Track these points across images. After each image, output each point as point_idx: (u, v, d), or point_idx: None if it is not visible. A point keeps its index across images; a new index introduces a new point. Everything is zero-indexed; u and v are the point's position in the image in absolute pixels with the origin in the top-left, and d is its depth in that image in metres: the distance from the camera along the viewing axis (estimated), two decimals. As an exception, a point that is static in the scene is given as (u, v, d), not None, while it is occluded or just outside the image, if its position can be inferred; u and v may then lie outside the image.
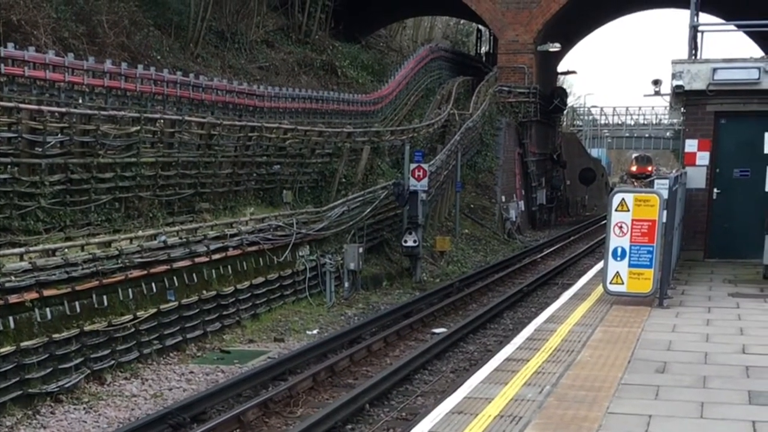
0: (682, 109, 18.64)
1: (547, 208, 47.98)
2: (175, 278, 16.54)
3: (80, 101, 18.60)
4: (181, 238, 17.23)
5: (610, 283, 13.02)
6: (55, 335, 13.35)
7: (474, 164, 37.70)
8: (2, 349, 12.38)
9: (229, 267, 18.35)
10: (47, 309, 13.39)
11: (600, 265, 15.91)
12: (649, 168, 75.84)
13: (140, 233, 16.82)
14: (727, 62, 17.65)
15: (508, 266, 29.09)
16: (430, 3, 51.63)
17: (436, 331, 18.85)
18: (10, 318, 12.70)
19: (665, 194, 12.98)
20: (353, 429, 12.39)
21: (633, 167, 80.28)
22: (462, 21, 61.52)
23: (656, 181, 15.51)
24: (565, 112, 61.43)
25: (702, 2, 19.01)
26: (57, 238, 15.73)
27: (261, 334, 18.15)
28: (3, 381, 12.37)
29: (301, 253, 21.17)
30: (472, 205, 36.07)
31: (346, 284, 22.13)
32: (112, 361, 14.55)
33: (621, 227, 12.80)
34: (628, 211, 12.75)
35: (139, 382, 14.37)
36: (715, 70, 17.44)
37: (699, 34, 18.90)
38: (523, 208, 41.85)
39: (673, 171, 24.20)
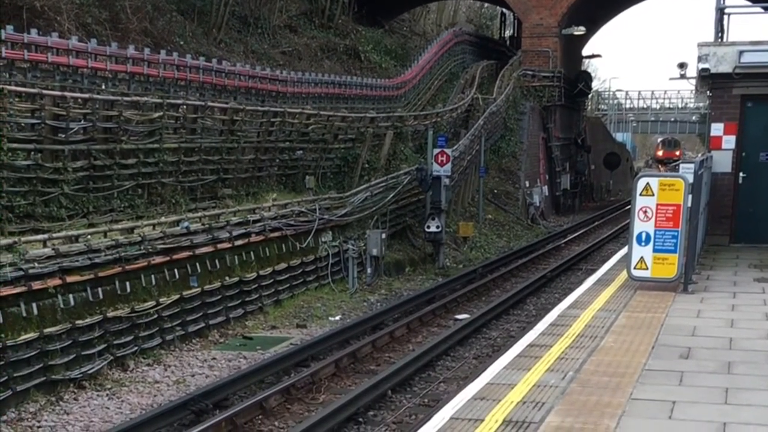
0: (708, 92, 18.46)
1: (572, 193, 47.76)
2: (197, 264, 16.56)
3: (103, 87, 18.65)
4: (203, 225, 17.25)
5: (635, 268, 12.93)
6: (78, 322, 13.40)
7: (498, 149, 37.57)
8: (26, 336, 12.43)
9: (252, 253, 18.36)
10: (70, 295, 13.43)
11: (624, 250, 15.80)
12: (677, 152, 72.79)
13: (163, 219, 16.84)
14: (754, 45, 17.45)
15: (531, 252, 28.99)
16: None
17: (459, 317, 18.80)
18: (34, 304, 12.75)
19: (690, 178, 12.87)
20: (375, 415, 12.36)
21: (659, 152, 78.01)
22: (486, 5, 61.22)
23: (681, 165, 15.41)
24: (589, 96, 61.07)
25: (728, -16, 18.82)
26: (80, 224, 15.79)
27: (283, 320, 18.16)
28: (26, 367, 12.41)
29: (323, 239, 21.16)
30: (495, 191, 35.97)
31: (369, 270, 22.10)
32: (135, 348, 14.60)
33: (646, 212, 12.71)
34: (653, 195, 12.65)
35: (161, 369, 14.41)
36: (741, 52, 17.24)
37: (725, 17, 18.71)
38: (547, 193, 41.68)
39: (699, 155, 24.02)
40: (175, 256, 15.92)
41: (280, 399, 12.66)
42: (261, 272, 18.45)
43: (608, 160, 59.56)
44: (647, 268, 12.85)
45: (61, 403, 12.53)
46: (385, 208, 24.03)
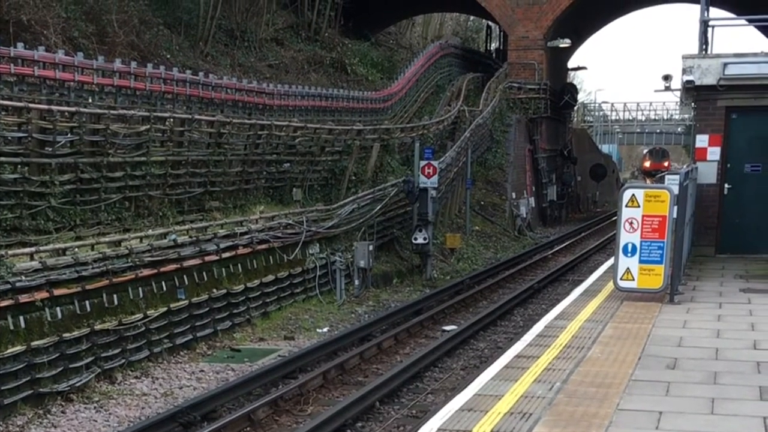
0: (693, 104, 18.59)
1: (558, 205, 47.85)
2: (185, 277, 16.55)
3: (90, 100, 18.64)
4: (191, 237, 17.25)
5: (621, 279, 12.98)
6: (66, 334, 13.37)
7: (484, 161, 37.64)
8: (13, 349, 12.40)
9: (239, 265, 18.35)
10: (57, 308, 13.41)
11: (611, 261, 15.87)
12: (665, 164, 69.62)
13: (150, 232, 16.84)
14: (738, 57, 17.58)
15: (518, 263, 29.05)
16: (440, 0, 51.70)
17: (447, 328, 18.82)
18: (21, 317, 12.72)
19: (676, 190, 12.94)
20: (363, 427, 12.38)
21: (646, 163, 74.54)
22: (472, 17, 61.43)
23: (667, 177, 15.48)
24: (575, 108, 61.22)
25: (712, -3, 18.97)
26: (67, 237, 15.76)
27: (271, 332, 18.15)
28: (14, 380, 12.38)
29: (311, 251, 21.16)
30: (482, 202, 36.03)
31: (357, 282, 22.12)
32: (123, 360, 14.57)
33: (631, 223, 12.76)
34: (639, 207, 12.71)
35: (149, 381, 14.39)
36: (725, 65, 17.37)
37: (710, 29, 18.84)
38: (533, 205, 41.78)
39: (684, 166, 24.17)
40: (163, 269, 15.91)
41: (268, 411, 12.65)
42: (248, 284, 18.44)
43: (594, 171, 59.73)
44: (633, 279, 12.91)
45: (48, 416, 12.49)
46: (373, 219, 24.05)
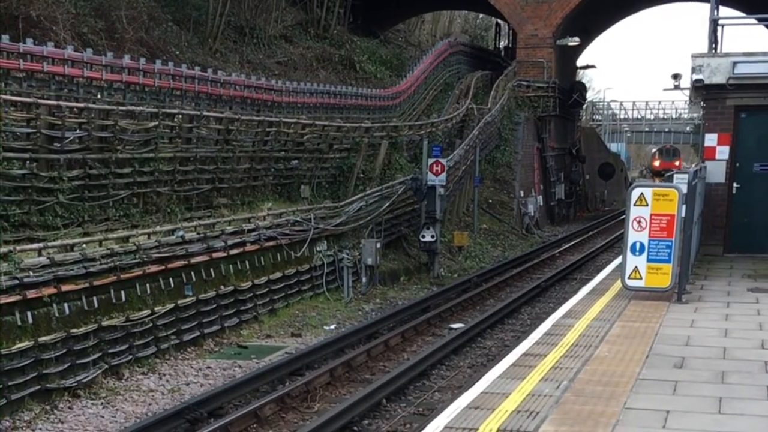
0: (702, 103, 18.52)
1: (566, 203, 47.80)
2: (192, 273, 16.57)
3: (99, 96, 18.62)
4: (198, 234, 17.26)
5: (629, 278, 12.94)
6: (73, 330, 13.40)
7: (492, 159, 37.61)
8: (20, 344, 12.44)
9: (247, 262, 18.37)
10: (65, 304, 13.44)
11: (618, 260, 15.84)
12: (677, 163, 67.23)
13: (158, 228, 16.85)
14: (748, 56, 17.51)
15: (526, 261, 29.01)
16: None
17: (454, 326, 18.80)
18: (29, 313, 12.76)
19: (684, 189, 12.90)
20: (370, 424, 12.38)
21: (656, 162, 71.98)
22: (481, 15, 61.38)
23: (675, 176, 15.44)
24: (584, 106, 61.09)
25: (722, -5, 18.90)
26: (75, 233, 15.79)
27: (278, 329, 18.16)
28: (21, 376, 12.42)
29: (318, 248, 21.17)
30: (490, 200, 36.00)
31: (364, 279, 22.11)
32: (130, 356, 14.60)
33: (640, 222, 12.73)
34: (647, 205, 12.67)
35: (156, 377, 14.41)
36: (735, 63, 17.30)
37: (719, 28, 18.78)
38: (541, 203, 41.74)
39: (693, 165, 24.08)
40: (170, 265, 15.93)
41: (274, 408, 12.67)
42: (256, 281, 18.47)
43: (603, 170, 59.62)
44: (641, 278, 12.87)
45: (55, 411, 12.52)
46: (380, 217, 24.05)
